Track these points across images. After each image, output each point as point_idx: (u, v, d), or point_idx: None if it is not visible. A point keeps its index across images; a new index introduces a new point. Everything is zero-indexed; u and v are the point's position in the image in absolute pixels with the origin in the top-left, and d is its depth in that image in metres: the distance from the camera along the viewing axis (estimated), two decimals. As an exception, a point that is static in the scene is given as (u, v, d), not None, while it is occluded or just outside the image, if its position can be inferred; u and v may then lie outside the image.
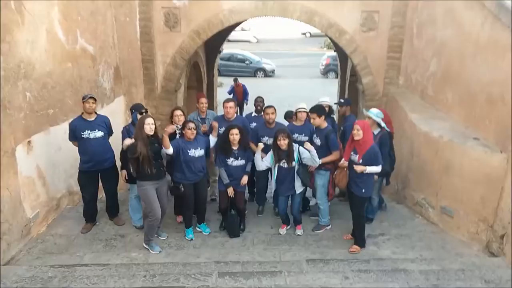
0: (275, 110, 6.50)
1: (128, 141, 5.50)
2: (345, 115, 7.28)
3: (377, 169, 5.36)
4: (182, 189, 5.84)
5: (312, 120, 6.02)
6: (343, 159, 5.66)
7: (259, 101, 7.17)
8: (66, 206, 6.94)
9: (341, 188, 5.80)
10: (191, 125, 5.76)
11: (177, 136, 6.04)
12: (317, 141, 6.07)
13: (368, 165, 5.30)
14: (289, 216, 6.33)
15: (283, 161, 5.78)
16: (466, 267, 5.13)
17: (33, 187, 6.04)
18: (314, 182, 6.17)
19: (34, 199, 6.05)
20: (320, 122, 6.01)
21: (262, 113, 6.71)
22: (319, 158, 5.82)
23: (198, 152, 5.83)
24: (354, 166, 5.34)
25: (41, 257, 5.61)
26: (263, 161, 5.92)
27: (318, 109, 6.06)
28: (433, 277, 4.83)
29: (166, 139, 5.47)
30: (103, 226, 6.50)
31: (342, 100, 7.57)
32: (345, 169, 5.60)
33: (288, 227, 6.35)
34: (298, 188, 5.96)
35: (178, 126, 6.09)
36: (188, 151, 5.76)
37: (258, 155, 5.91)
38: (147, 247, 5.70)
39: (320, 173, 6.08)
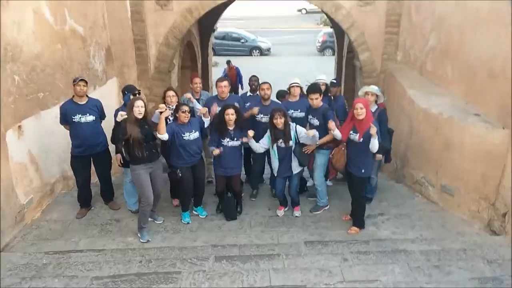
0: (270, 86, 6.35)
1: (123, 113, 5.20)
2: (336, 96, 7.11)
3: (375, 143, 5.13)
4: (180, 174, 5.73)
5: (314, 101, 5.78)
6: (336, 133, 5.45)
7: (253, 80, 7.03)
8: (60, 191, 6.83)
9: (338, 168, 5.64)
10: (185, 108, 5.60)
11: (170, 119, 5.86)
12: (315, 121, 5.90)
13: (368, 143, 5.14)
14: (286, 198, 6.24)
15: (280, 141, 5.65)
16: (468, 247, 5.06)
17: (26, 172, 5.92)
18: (313, 162, 6.03)
19: (27, 184, 5.94)
20: (319, 102, 5.84)
21: (258, 91, 6.54)
22: (319, 138, 5.69)
23: (193, 135, 5.69)
24: (371, 130, 5.04)
25: (35, 243, 5.52)
26: (260, 143, 5.79)
27: (319, 89, 5.90)
28: (434, 258, 4.75)
29: (163, 124, 5.31)
30: (99, 210, 6.40)
31: (334, 81, 7.40)
32: (343, 148, 5.46)
33: (286, 208, 6.26)
34: (295, 168, 5.84)
35: (170, 106, 5.95)
36: (183, 135, 5.62)
37: (252, 142, 5.78)
38: (138, 234, 5.57)
39: (321, 152, 5.93)
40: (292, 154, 5.74)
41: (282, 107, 5.93)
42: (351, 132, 5.30)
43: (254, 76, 7.13)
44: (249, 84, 7.11)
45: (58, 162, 6.68)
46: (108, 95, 8.36)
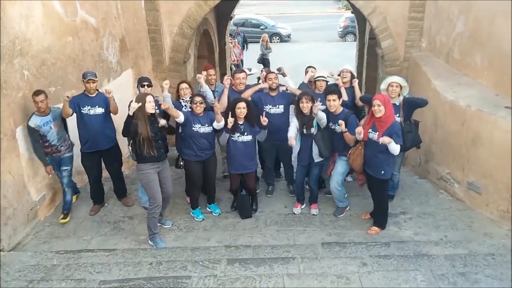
0: (277, 76, 6.10)
1: (135, 105, 4.87)
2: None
3: (396, 147, 4.84)
4: (181, 163, 5.62)
5: (331, 102, 5.35)
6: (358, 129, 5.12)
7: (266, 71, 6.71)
8: (74, 187, 6.77)
9: (355, 168, 5.32)
10: (197, 99, 5.46)
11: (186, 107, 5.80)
12: (337, 128, 5.44)
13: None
14: (304, 192, 6.00)
15: (304, 127, 5.43)
16: (496, 251, 4.73)
17: (37, 169, 5.85)
18: (333, 168, 5.70)
19: (39, 181, 5.89)
20: (337, 105, 5.43)
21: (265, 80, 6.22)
22: (341, 146, 5.42)
23: (204, 128, 5.51)
24: (383, 138, 4.76)
25: (48, 241, 5.49)
26: (290, 130, 5.51)
27: (338, 90, 5.58)
28: (459, 263, 4.44)
29: (174, 110, 5.31)
30: (112, 207, 6.31)
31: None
32: (360, 147, 5.14)
33: (303, 206, 6.02)
34: (315, 157, 5.59)
35: (184, 99, 5.90)
36: (193, 125, 5.47)
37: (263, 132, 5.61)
38: (151, 243, 5.34)
39: (342, 159, 5.56)
40: (313, 141, 5.49)
41: (311, 93, 5.66)
42: (370, 130, 4.97)
43: (265, 67, 6.89)
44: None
45: (71, 157, 6.58)
46: (124, 87, 8.22)
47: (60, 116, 5.71)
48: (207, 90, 6.06)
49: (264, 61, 16.12)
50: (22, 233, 5.50)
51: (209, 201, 6.10)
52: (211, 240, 5.42)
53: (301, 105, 5.37)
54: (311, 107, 5.36)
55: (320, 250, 4.92)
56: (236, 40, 16.32)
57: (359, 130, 5.01)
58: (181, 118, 5.38)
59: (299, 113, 5.46)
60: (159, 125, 5.02)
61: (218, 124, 5.49)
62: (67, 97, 5.57)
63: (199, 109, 5.46)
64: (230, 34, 15.04)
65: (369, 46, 11.50)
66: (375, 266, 4.46)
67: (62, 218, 5.87)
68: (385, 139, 4.72)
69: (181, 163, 5.74)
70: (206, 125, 5.53)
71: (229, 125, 5.40)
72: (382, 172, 5.02)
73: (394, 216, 5.70)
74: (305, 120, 5.41)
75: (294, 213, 5.94)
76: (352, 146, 5.31)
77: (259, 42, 17.04)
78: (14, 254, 5.07)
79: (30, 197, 5.66)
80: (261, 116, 5.51)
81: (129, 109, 4.89)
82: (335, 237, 5.34)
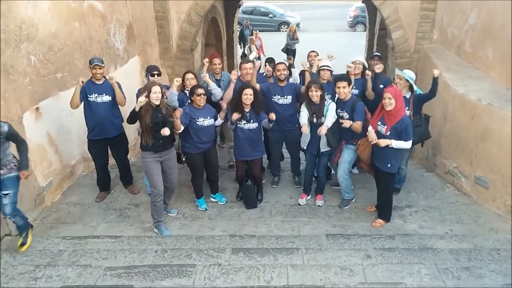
0: (286, 66, 5.99)
1: (143, 99, 4.85)
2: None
3: (406, 145, 4.80)
4: (184, 159, 5.57)
5: (341, 89, 5.31)
6: (369, 128, 5.08)
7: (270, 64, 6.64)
8: (81, 173, 6.81)
9: (364, 159, 5.27)
10: (200, 90, 5.35)
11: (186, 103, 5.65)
12: (344, 115, 5.42)
13: (396, 139, 4.78)
14: (312, 181, 5.99)
15: (314, 115, 5.38)
16: (501, 246, 4.70)
17: (45, 155, 5.87)
18: (339, 158, 5.67)
19: (46, 167, 5.90)
20: (347, 92, 5.39)
21: (274, 71, 6.12)
22: (349, 134, 5.36)
23: (208, 122, 5.46)
24: (378, 140, 4.79)
25: (54, 226, 5.52)
26: (302, 117, 5.46)
27: (348, 77, 5.52)
28: (464, 258, 4.42)
29: (179, 122, 5.14)
30: (118, 194, 6.33)
31: (379, 54, 6.93)
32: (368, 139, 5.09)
33: (309, 197, 6.01)
34: (323, 146, 5.57)
35: (189, 89, 5.76)
36: (197, 120, 5.40)
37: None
38: (156, 231, 5.35)
39: (349, 147, 5.51)
40: None
41: (320, 81, 5.60)
42: (379, 123, 4.92)
43: (270, 58, 6.84)
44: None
45: (78, 143, 6.61)
46: (130, 75, 8.21)
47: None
48: (214, 87, 5.92)
49: (288, 51, 15.26)
50: (29, 218, 5.47)
51: (212, 191, 6.08)
52: (216, 229, 5.43)
53: (310, 93, 5.32)
54: (321, 95, 5.30)
55: (325, 241, 4.92)
56: (257, 31, 15.72)
57: (372, 136, 4.90)
58: (180, 130, 5.27)
59: (308, 102, 5.41)
60: (162, 134, 4.84)
61: (220, 121, 5.54)
62: (82, 82, 5.48)
63: (203, 101, 5.36)
64: (238, 23, 14.75)
65: (379, 36, 11.37)
66: (379, 259, 4.44)
67: (21, 246, 4.81)
68: (382, 142, 4.78)
69: (184, 158, 5.63)
70: (208, 117, 5.47)
71: (233, 119, 5.35)
72: (389, 165, 4.97)
73: (400, 209, 5.67)
74: (315, 109, 5.36)
75: (300, 204, 5.92)
76: (361, 136, 5.26)
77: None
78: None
79: (37, 183, 5.68)
80: (270, 114, 5.43)
81: (137, 101, 4.86)
82: (339, 229, 5.32)
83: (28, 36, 5.43)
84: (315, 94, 5.29)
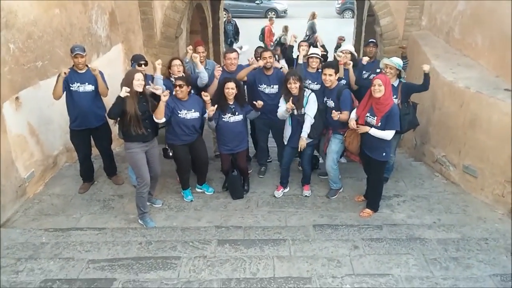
0: (272, 54, 5.89)
1: (127, 90, 4.70)
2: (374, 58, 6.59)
3: (385, 134, 4.75)
4: (171, 153, 5.43)
5: (327, 77, 5.25)
6: (352, 115, 5.03)
7: (259, 51, 6.51)
8: (64, 164, 6.65)
9: (352, 151, 5.21)
10: (179, 82, 5.19)
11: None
12: (330, 103, 5.37)
13: (385, 129, 4.72)
14: (289, 176, 5.94)
15: (293, 107, 5.27)
16: (489, 235, 4.68)
17: (26, 145, 5.71)
18: (327, 147, 5.60)
19: (27, 158, 5.74)
20: (333, 80, 5.32)
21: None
22: (336, 122, 5.26)
23: (191, 114, 5.30)
24: (359, 126, 4.80)
25: (37, 218, 5.39)
26: (280, 106, 5.37)
27: (335, 64, 5.41)
28: (452, 248, 4.38)
29: (162, 108, 4.87)
30: (102, 185, 6.20)
31: (374, 40, 6.94)
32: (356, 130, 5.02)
33: (286, 189, 5.93)
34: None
35: (176, 77, 5.61)
36: (179, 112, 5.24)
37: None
38: (141, 222, 5.25)
39: (337, 137, 5.46)
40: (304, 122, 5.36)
41: (298, 73, 5.47)
42: (368, 114, 4.83)
43: (260, 47, 6.75)
44: (254, 55, 6.64)
45: (60, 134, 6.43)
46: (114, 63, 8.01)
47: None
48: (202, 71, 5.80)
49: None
50: (11, 210, 5.40)
51: (199, 182, 5.98)
52: (201, 220, 5.35)
53: (288, 85, 5.20)
54: (299, 86, 5.21)
55: (312, 232, 4.86)
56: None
57: (351, 125, 4.94)
58: (162, 120, 5.03)
59: (287, 94, 5.29)
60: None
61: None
62: (65, 73, 5.26)
63: (180, 93, 5.18)
64: (224, 9, 14.23)
65: (368, 23, 11.24)
66: (367, 249, 4.39)
67: None
68: (361, 128, 4.84)
69: (170, 153, 5.47)
70: (193, 110, 5.30)
71: (210, 114, 5.20)
72: (384, 154, 4.92)
73: (388, 198, 5.64)
74: (294, 100, 5.22)
75: (275, 197, 5.83)
76: (347, 125, 5.19)
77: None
78: (2, 231, 4.96)
79: (19, 174, 5.53)
80: (256, 102, 5.34)
81: (121, 90, 4.71)
82: (327, 219, 5.27)
83: (6, 23, 5.22)
84: (294, 86, 5.18)
